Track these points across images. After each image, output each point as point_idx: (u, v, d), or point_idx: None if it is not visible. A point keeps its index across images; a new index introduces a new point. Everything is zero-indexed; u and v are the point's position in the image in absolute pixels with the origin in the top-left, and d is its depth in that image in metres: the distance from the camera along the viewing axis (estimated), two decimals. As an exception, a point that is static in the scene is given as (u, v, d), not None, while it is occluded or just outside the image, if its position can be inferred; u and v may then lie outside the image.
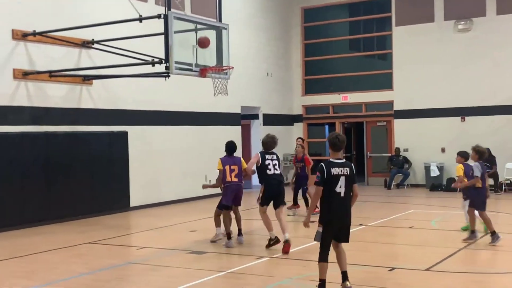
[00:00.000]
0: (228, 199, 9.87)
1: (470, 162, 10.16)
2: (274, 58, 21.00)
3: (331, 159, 6.75)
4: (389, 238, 10.76)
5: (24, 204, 12.24)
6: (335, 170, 6.63)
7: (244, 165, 9.99)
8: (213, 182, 10.49)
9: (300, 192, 13.63)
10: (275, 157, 9.76)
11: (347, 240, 6.81)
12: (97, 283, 7.61)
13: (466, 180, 10.03)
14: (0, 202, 11.82)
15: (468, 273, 7.85)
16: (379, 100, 20.59)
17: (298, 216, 13.17)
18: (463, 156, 10.30)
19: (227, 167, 9.80)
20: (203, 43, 11.31)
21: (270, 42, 20.81)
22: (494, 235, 9.57)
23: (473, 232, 9.82)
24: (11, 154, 12.06)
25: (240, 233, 10.12)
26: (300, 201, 13.62)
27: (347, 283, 6.66)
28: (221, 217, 10.04)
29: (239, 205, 10.15)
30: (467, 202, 10.11)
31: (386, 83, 20.49)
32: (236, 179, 9.84)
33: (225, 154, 10.04)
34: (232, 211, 10.09)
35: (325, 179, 6.61)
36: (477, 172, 9.73)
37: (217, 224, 10.14)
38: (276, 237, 9.48)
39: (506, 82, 18.16)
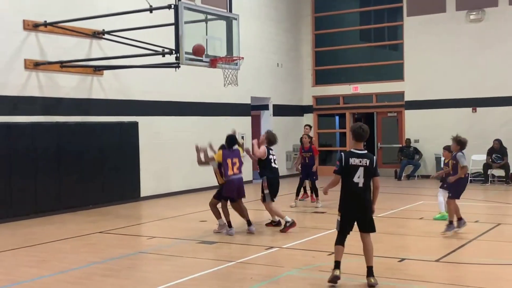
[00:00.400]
0: (233, 193, 9.96)
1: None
2: (285, 48, 20.94)
3: (352, 149, 6.82)
4: (399, 229, 10.74)
5: (35, 194, 12.33)
6: (353, 160, 6.68)
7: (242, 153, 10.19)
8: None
9: (307, 182, 13.57)
10: (274, 152, 10.48)
11: (371, 230, 6.83)
12: (108, 272, 7.67)
13: (445, 168, 10.12)
14: (12, 192, 11.92)
15: (478, 264, 7.83)
16: (390, 91, 20.49)
17: (305, 207, 13.17)
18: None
19: (229, 161, 9.88)
20: (197, 50, 11.17)
21: (280, 33, 20.75)
22: (451, 225, 9.57)
23: (451, 223, 9.66)
24: (22, 144, 12.15)
25: (250, 223, 10.16)
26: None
27: (371, 279, 6.64)
28: (220, 207, 10.15)
29: (244, 196, 10.26)
30: (445, 192, 10.13)
31: (397, 73, 20.38)
32: (238, 171, 10.00)
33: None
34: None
35: (343, 168, 6.65)
36: (464, 162, 9.63)
37: (218, 216, 10.18)
38: (292, 219, 10.07)
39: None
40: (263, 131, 20.29)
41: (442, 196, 10.68)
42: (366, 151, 6.87)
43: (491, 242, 9.32)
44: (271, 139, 10.50)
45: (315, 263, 7.92)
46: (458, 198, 9.78)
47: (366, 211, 6.80)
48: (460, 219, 9.71)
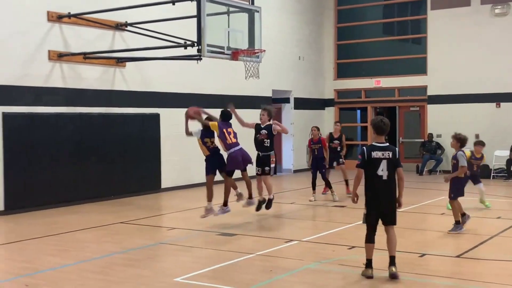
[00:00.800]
0: (239, 164, 10.12)
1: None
2: (306, 41, 20.85)
3: (373, 143, 6.84)
4: (420, 224, 10.66)
5: (58, 184, 12.49)
6: (376, 154, 6.70)
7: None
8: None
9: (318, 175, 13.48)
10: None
11: (393, 223, 6.85)
12: (129, 262, 7.74)
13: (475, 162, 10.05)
14: (35, 181, 12.09)
15: (499, 260, 7.74)
16: (413, 85, 20.31)
17: (325, 201, 13.12)
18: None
19: (224, 130, 10.09)
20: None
21: (303, 26, 20.66)
22: (458, 224, 9.43)
23: (458, 223, 9.51)
24: (45, 134, 12.30)
25: (250, 197, 10.32)
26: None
27: (393, 268, 6.69)
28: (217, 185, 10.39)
29: (251, 162, 10.44)
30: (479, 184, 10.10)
31: (420, 67, 20.18)
32: (235, 140, 10.21)
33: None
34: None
35: (366, 162, 6.68)
36: (464, 162, 9.48)
37: (210, 198, 10.22)
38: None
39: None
40: (284, 124, 20.19)
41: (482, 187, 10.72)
42: (387, 144, 6.85)
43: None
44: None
45: (335, 257, 7.91)
46: (463, 195, 9.63)
47: (391, 204, 6.80)
48: (463, 214, 9.59)
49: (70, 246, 8.81)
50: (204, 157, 10.38)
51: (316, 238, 9.19)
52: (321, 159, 13.27)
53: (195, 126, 10.45)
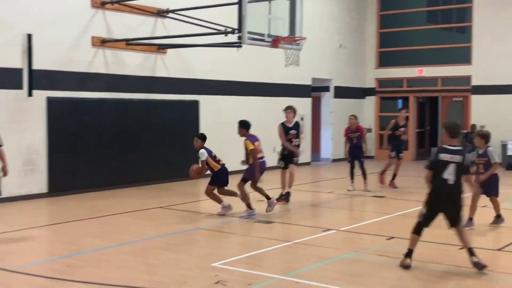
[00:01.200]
0: (260, 174, 9.98)
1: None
2: (348, 29, 20.62)
3: (444, 145, 6.80)
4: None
5: (100, 168, 12.73)
6: (444, 156, 6.66)
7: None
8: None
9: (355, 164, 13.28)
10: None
11: (456, 224, 6.79)
12: (168, 246, 7.86)
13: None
14: (77, 165, 12.35)
15: (543, 255, 7.56)
16: (456, 75, 19.87)
17: (363, 191, 13.00)
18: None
19: (256, 144, 10.00)
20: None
21: (344, 13, 20.43)
22: (499, 218, 9.20)
23: (499, 216, 9.25)
24: (88, 119, 12.53)
25: (269, 197, 10.14)
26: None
27: (474, 258, 6.64)
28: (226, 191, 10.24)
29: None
30: None
31: (464, 57, 19.72)
32: (262, 154, 10.22)
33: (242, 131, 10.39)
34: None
35: (434, 163, 6.70)
36: (496, 158, 9.15)
37: (219, 200, 10.11)
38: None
39: None
40: (323, 113, 20.21)
41: None
42: (460, 148, 6.79)
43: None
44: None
45: (373, 247, 7.85)
46: (497, 195, 9.21)
47: (456, 208, 6.74)
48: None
49: (110, 229, 8.99)
50: (211, 172, 10.21)
51: (354, 228, 9.14)
52: (359, 148, 13.09)
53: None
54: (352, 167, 13.17)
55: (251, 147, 9.88)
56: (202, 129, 15.17)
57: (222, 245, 7.94)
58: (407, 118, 13.52)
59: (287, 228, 9.20)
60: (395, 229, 8.93)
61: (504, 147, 18.31)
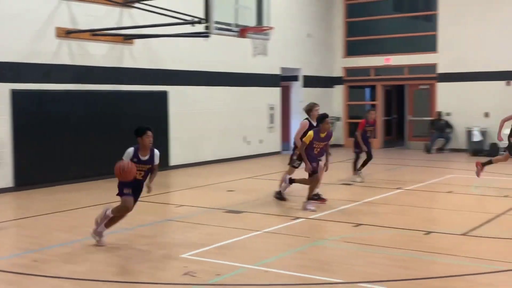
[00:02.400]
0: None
1: None
2: (315, 18, 20.69)
3: None
4: (427, 202, 10.67)
5: (67, 161, 12.58)
6: None
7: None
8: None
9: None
10: None
11: None
12: (137, 239, 7.83)
13: None
14: (44, 158, 12.19)
15: (505, 238, 7.75)
16: (422, 63, 20.13)
17: (332, 180, 13.13)
18: None
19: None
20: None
21: (312, 2, 20.49)
22: None
23: None
24: (54, 111, 12.36)
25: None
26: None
27: None
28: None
29: None
30: None
31: (430, 45, 19.97)
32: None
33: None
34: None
35: None
36: None
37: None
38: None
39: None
40: (293, 102, 20.29)
41: None
42: None
43: (520, 217, 9.18)
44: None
45: (341, 234, 7.95)
46: None
47: None
48: None
49: (78, 222, 8.91)
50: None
51: (322, 215, 9.22)
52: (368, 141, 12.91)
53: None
54: (357, 159, 12.90)
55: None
56: (172, 120, 15.14)
57: (192, 235, 7.95)
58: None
59: (256, 217, 9.25)
60: (363, 216, 9.05)
61: (469, 133, 18.67)
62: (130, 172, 7.30)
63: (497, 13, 18.51)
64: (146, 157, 7.55)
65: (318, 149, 9.60)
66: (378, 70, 21.25)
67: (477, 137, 18.46)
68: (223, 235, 7.97)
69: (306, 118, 10.41)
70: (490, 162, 11.88)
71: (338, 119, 21.35)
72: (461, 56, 19.12)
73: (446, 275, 6.12)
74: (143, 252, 7.10)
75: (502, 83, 18.58)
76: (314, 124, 10.02)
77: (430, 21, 20.20)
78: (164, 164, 14.86)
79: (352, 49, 21.63)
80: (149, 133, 7.61)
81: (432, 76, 19.94)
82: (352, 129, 21.45)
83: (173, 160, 15.18)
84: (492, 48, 18.57)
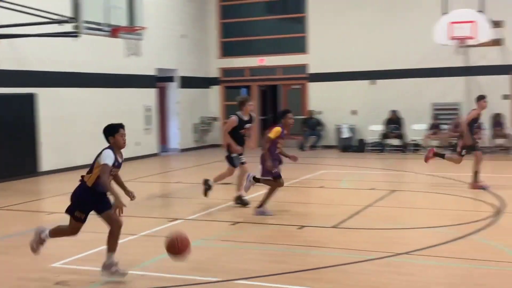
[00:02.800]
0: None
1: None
2: (190, 19, 20.71)
3: None
4: (300, 198, 11.05)
5: None
6: None
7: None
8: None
9: None
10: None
11: None
12: (5, 250, 7.42)
13: None
14: None
15: (372, 229, 8.24)
16: (294, 64, 20.83)
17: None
18: None
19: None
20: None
21: (186, 3, 20.49)
22: None
23: None
24: None
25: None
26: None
27: None
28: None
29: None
30: None
31: (300, 46, 20.72)
32: None
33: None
34: None
35: None
36: None
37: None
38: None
39: (415, 46, 18.75)
40: (170, 104, 20.16)
41: None
42: None
43: (386, 208, 9.80)
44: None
45: (218, 233, 8.03)
46: None
47: None
48: None
49: None
50: None
51: (200, 216, 9.27)
52: None
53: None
54: None
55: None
56: (43, 124, 14.44)
57: (64, 244, 7.63)
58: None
59: (133, 221, 9.08)
60: (240, 215, 9.21)
61: (338, 130, 19.63)
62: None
63: (362, 15, 19.57)
64: (120, 160, 6.37)
65: (280, 148, 9.10)
66: (253, 70, 21.70)
67: (346, 134, 19.45)
68: (98, 241, 7.72)
69: (236, 114, 9.99)
70: (442, 157, 11.70)
71: (215, 119, 21.54)
72: (329, 57, 20.02)
73: (319, 267, 6.40)
74: (12, 264, 6.74)
75: (367, 82, 19.69)
76: (245, 119, 9.84)
77: (300, 23, 20.94)
78: (33, 170, 14.19)
79: (227, 50, 21.90)
80: (123, 131, 6.31)
81: (304, 76, 20.70)
82: (229, 129, 21.74)
83: (44, 166, 14.50)
84: (358, 49, 19.61)
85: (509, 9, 17.73)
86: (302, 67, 20.70)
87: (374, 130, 19.01)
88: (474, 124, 11.20)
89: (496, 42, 17.61)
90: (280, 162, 9.15)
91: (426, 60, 18.51)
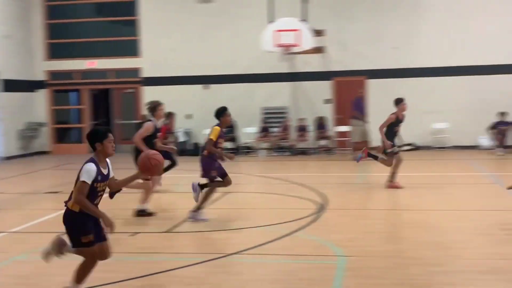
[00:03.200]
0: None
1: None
2: (13, 18, 19.49)
3: None
4: (133, 204, 10.86)
5: None
6: None
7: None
8: None
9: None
10: None
11: None
12: None
13: None
14: None
15: (199, 231, 8.37)
16: (127, 67, 20.50)
17: (38, 189, 12.56)
18: None
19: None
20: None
21: (9, 2, 19.25)
22: None
23: None
24: None
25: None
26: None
27: None
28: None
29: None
30: None
31: (133, 50, 20.45)
32: None
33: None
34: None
35: None
36: None
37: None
38: None
39: (245, 52, 19.38)
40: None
41: None
42: None
43: (218, 210, 9.96)
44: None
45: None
46: None
47: None
48: None
49: None
50: None
51: (25, 228, 8.75)
52: None
53: None
54: None
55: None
56: None
57: None
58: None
59: None
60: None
61: (175, 134, 19.67)
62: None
63: (193, 20, 19.81)
64: (106, 171, 5.35)
65: (221, 148, 9.02)
66: (85, 74, 20.95)
67: (181, 137, 19.56)
68: None
69: (150, 120, 9.51)
70: (375, 158, 11.68)
71: (41, 124, 20.45)
72: (163, 61, 20.00)
73: (150, 273, 6.36)
74: None
75: (200, 86, 19.97)
76: (158, 125, 9.48)
77: (132, 26, 20.64)
78: None
79: (55, 52, 20.92)
80: (112, 136, 5.33)
81: (137, 80, 20.44)
82: (60, 135, 20.87)
83: None
84: (191, 53, 19.81)
85: (330, 18, 19.06)
86: (135, 71, 20.44)
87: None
88: (394, 127, 11.33)
89: (318, 50, 18.83)
90: (222, 159, 9.19)
91: (255, 66, 19.26)
